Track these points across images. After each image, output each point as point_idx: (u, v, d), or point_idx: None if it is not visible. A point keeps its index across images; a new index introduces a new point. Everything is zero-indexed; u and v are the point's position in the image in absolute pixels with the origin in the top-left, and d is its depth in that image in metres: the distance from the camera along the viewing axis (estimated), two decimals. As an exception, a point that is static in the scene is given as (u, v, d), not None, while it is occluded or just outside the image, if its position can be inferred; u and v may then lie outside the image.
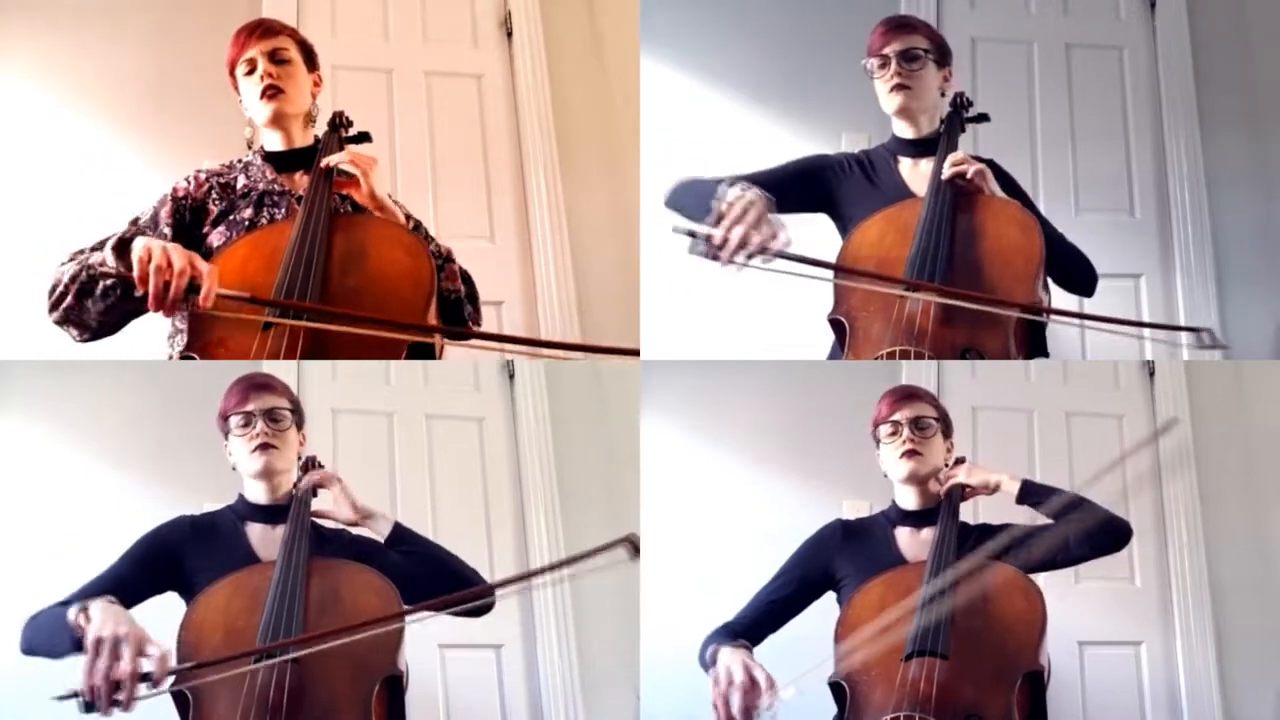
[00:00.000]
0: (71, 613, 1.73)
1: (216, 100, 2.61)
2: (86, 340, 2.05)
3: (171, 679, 1.71)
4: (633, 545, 1.78)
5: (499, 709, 3.03)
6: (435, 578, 2.01)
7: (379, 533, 2.07)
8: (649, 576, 2.87)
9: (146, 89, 3.06)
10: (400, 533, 2.07)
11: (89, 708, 1.62)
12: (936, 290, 2.01)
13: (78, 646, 1.69)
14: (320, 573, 1.95)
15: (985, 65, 3.29)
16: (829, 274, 2.06)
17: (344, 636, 1.80)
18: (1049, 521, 2.11)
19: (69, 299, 1.99)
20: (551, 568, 1.97)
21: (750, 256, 1.90)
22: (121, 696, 1.63)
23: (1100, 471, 2.18)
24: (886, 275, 2.05)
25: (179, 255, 1.82)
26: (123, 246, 1.86)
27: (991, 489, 2.18)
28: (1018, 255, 2.10)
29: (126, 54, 3.07)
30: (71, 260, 2.02)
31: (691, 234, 1.91)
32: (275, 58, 2.18)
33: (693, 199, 2.08)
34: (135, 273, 1.80)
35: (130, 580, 1.97)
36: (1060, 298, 2.31)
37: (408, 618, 1.87)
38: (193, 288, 1.81)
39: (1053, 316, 2.11)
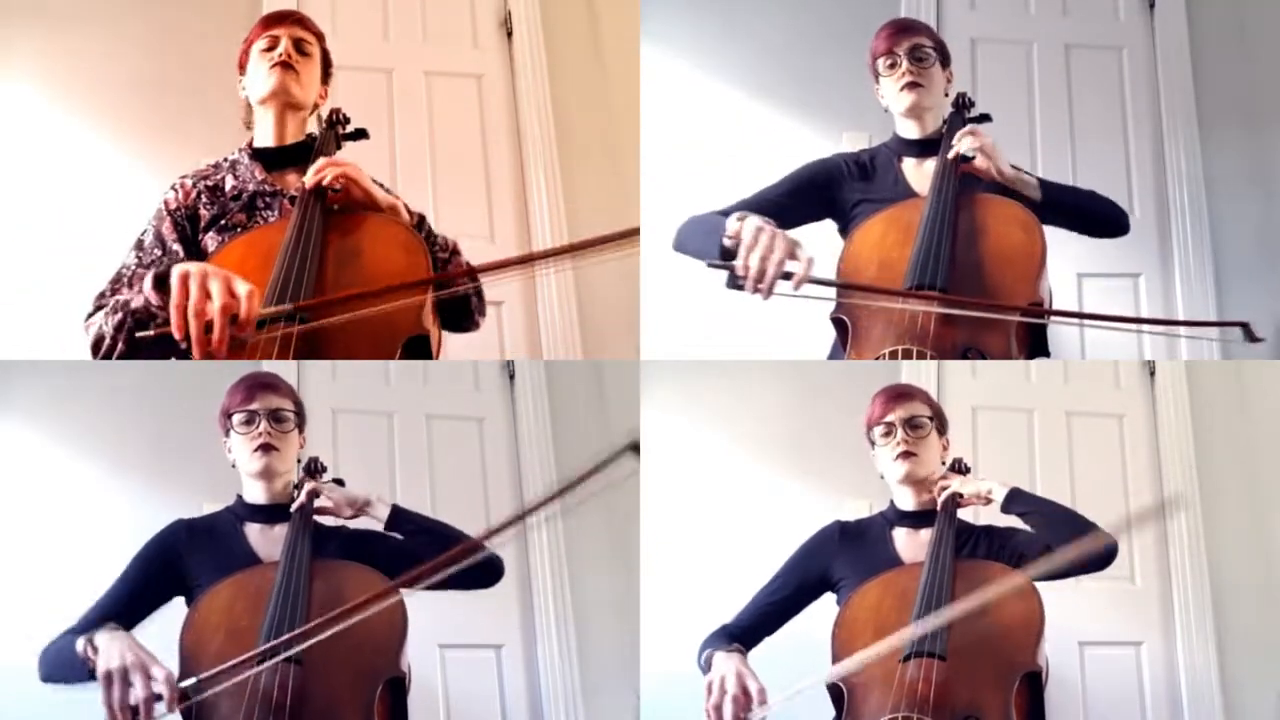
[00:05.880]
0: (79, 645, 1.79)
1: (216, 101, 2.61)
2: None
3: (183, 697, 1.75)
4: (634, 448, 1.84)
5: (499, 709, 3.03)
6: (439, 550, 2.01)
7: (378, 518, 2.08)
8: (649, 577, 2.86)
9: (146, 90, 3.05)
10: (399, 514, 2.09)
11: None
12: (945, 300, 2.00)
13: (93, 675, 1.76)
14: (323, 574, 1.95)
15: (985, 65, 3.29)
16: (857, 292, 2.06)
17: (345, 620, 1.80)
18: (1031, 531, 2.10)
19: (120, 347, 1.93)
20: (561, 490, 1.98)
21: (777, 278, 1.91)
22: None
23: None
24: (905, 292, 2.04)
25: (217, 287, 1.74)
26: (161, 282, 1.79)
27: (984, 498, 2.17)
28: (1020, 254, 2.10)
29: (126, 54, 3.06)
30: (100, 309, 1.97)
31: (725, 268, 1.94)
32: (299, 46, 2.20)
33: (698, 238, 2.08)
34: (172, 321, 1.74)
35: (135, 597, 2.00)
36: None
37: (416, 586, 1.88)
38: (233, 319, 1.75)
39: (1088, 321, 2.07)
